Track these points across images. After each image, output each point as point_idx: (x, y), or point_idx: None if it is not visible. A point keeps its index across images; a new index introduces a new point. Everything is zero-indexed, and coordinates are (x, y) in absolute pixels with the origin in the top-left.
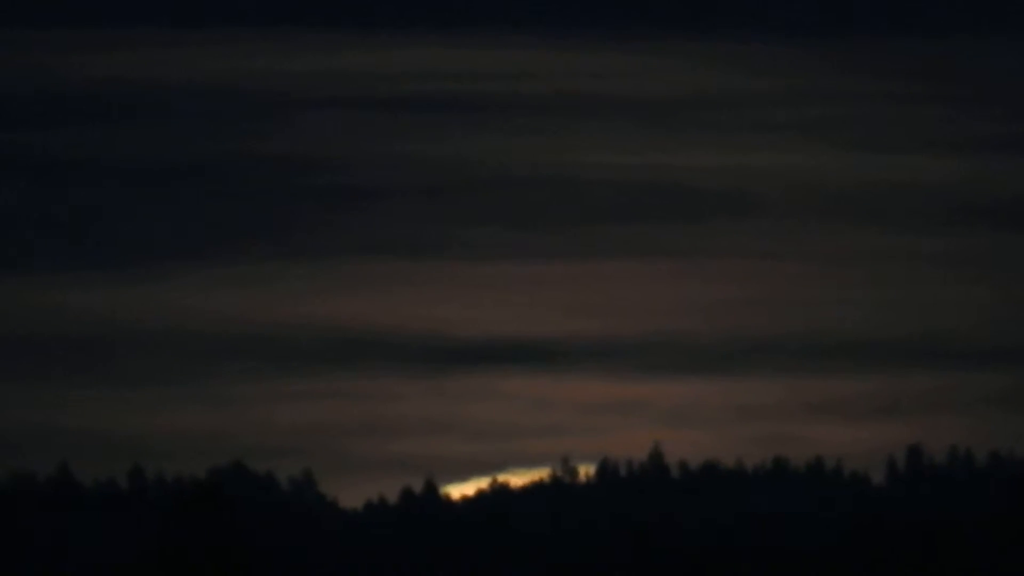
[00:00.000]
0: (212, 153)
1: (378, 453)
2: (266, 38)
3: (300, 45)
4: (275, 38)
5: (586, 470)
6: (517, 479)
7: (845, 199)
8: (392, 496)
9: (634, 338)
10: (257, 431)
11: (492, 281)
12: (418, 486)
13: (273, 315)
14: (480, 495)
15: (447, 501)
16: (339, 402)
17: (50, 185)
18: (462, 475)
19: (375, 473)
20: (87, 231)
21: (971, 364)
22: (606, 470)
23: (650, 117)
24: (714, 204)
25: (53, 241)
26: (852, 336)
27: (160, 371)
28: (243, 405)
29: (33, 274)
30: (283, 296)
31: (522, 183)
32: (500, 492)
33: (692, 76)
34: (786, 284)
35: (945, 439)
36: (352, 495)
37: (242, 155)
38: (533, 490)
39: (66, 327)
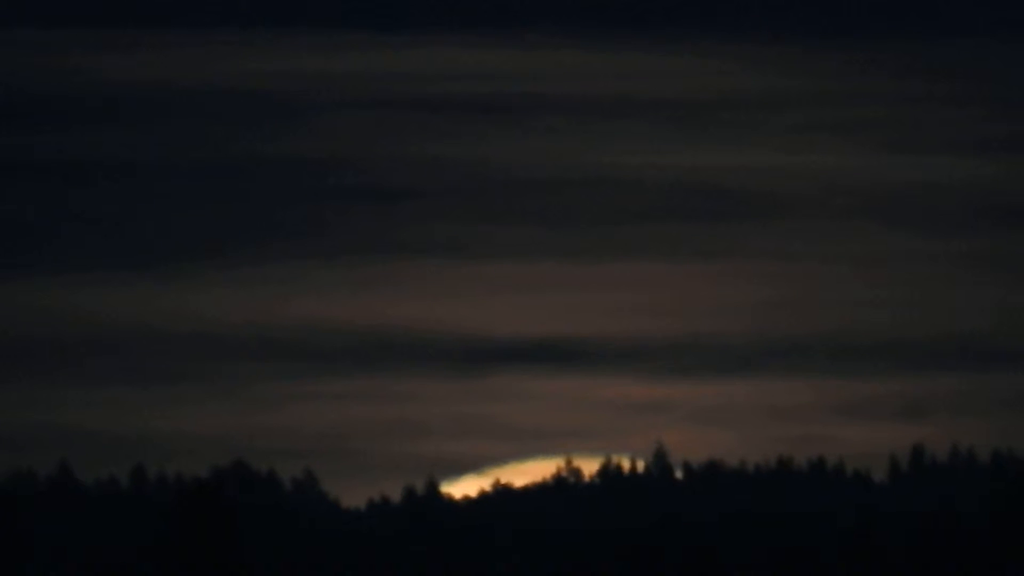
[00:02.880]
0: (225, 153)
1: (386, 453)
2: (283, 38)
3: (321, 45)
4: (293, 38)
5: (591, 469)
6: (520, 479)
7: (875, 200)
8: (395, 496)
9: (665, 339)
10: (268, 432)
11: (522, 281)
12: (421, 486)
13: (293, 315)
14: (482, 495)
15: (449, 501)
16: (358, 402)
17: (57, 186)
18: (470, 474)
19: (380, 473)
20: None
21: (983, 364)
22: (609, 470)
23: (682, 118)
24: (744, 205)
25: (55, 241)
26: (880, 337)
27: (164, 370)
28: (251, 405)
29: (34, 274)
30: (303, 296)
31: (553, 183)
32: (502, 492)
33: (724, 77)
34: (816, 285)
35: (952, 438)
36: (355, 495)
37: (258, 155)
38: (535, 490)
39: (68, 327)
